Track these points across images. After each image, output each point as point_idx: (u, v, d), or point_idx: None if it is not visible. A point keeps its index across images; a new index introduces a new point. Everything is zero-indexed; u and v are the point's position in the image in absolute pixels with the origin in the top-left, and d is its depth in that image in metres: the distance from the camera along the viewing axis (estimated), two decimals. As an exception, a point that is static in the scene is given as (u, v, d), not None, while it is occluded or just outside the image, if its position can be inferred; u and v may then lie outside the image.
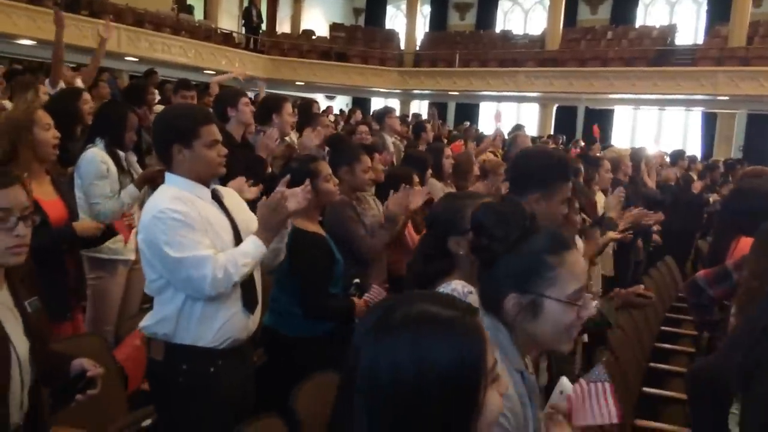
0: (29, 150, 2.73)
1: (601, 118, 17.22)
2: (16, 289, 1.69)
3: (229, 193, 2.35)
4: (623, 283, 3.06)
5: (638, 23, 19.18)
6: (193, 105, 3.69)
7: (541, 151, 2.59)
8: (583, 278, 1.34)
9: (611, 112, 18.05)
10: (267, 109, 4.12)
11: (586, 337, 2.91)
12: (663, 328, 4.72)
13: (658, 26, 18.57)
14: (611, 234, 3.55)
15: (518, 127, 9.84)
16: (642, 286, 2.73)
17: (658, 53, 16.66)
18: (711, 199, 7.33)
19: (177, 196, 2.08)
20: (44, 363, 1.72)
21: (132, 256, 3.55)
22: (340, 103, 20.81)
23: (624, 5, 19.17)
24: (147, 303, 3.70)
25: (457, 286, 1.73)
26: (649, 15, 19.80)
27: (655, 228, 4.91)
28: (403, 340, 0.89)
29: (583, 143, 8.92)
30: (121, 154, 3.50)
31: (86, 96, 3.81)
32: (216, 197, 2.21)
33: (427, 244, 1.96)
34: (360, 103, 20.35)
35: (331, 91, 20.01)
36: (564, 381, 1.47)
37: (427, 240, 1.99)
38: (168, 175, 2.19)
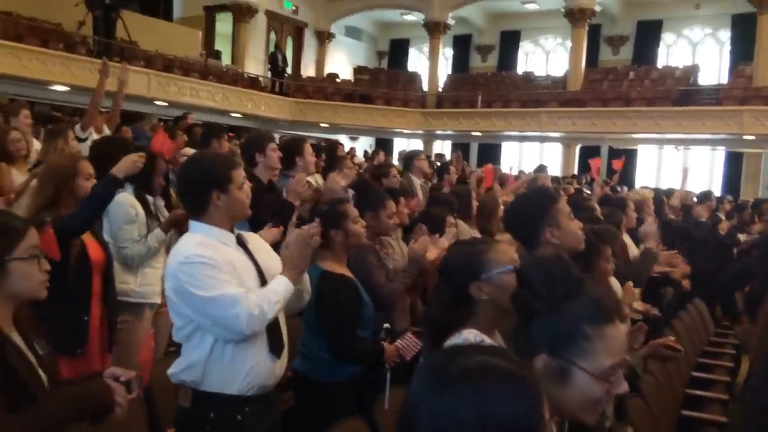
0: (71, 197, 2.84)
1: (625, 158, 17.13)
2: (25, 332, 1.74)
3: (253, 238, 2.37)
4: (651, 327, 3.00)
5: (660, 64, 19.22)
6: (216, 152, 3.75)
7: (516, 198, 2.76)
8: (621, 354, 1.28)
9: (635, 151, 17.97)
10: (290, 153, 4.17)
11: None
12: (694, 373, 4.60)
13: (681, 66, 18.56)
14: (637, 305, 3.50)
15: (541, 168, 9.84)
16: (672, 338, 2.66)
17: (681, 93, 16.62)
18: (741, 239, 7.20)
19: (201, 242, 2.12)
20: None
21: (158, 300, 3.59)
22: (364, 143, 21.02)
23: (646, 46, 19.27)
24: (173, 347, 3.74)
25: (469, 336, 1.71)
26: (671, 55, 19.83)
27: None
28: (465, 392, 0.89)
29: (607, 181, 8.79)
30: (149, 198, 3.58)
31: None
32: (241, 242, 2.25)
33: (442, 293, 1.91)
34: (383, 143, 20.56)
35: (354, 132, 20.25)
36: None
37: (443, 288, 1.94)
38: (192, 223, 2.22)
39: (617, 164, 8.59)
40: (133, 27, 14.32)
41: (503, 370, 0.91)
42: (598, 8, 17.79)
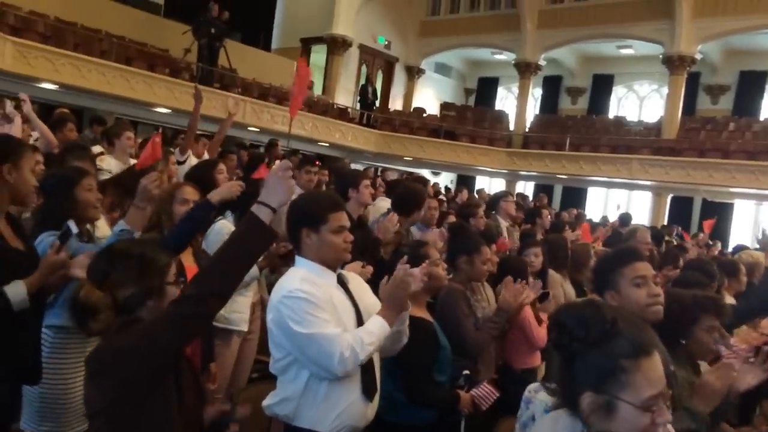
0: (170, 221, 2.95)
1: (720, 212, 16.37)
2: None
3: (354, 278, 2.39)
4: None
5: (763, 116, 18.32)
6: (326, 193, 3.82)
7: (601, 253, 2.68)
8: (660, 385, 1.37)
9: (730, 205, 17.10)
10: (412, 203, 4.21)
11: None
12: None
13: (786, 120, 17.63)
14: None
15: (625, 218, 9.47)
16: None
17: (785, 148, 15.75)
18: None
19: (305, 278, 2.16)
20: None
21: (245, 328, 3.66)
22: (445, 178, 21.03)
23: (748, 97, 18.43)
24: (255, 373, 3.79)
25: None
26: (775, 108, 18.91)
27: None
28: None
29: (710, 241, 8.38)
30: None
31: (221, 167, 4.06)
32: (341, 282, 2.27)
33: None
34: (464, 179, 20.49)
35: (437, 168, 20.30)
36: None
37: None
38: (297, 258, 2.28)
39: (708, 225, 8.35)
40: (234, 55, 14.98)
41: None
42: (699, 56, 17.21)
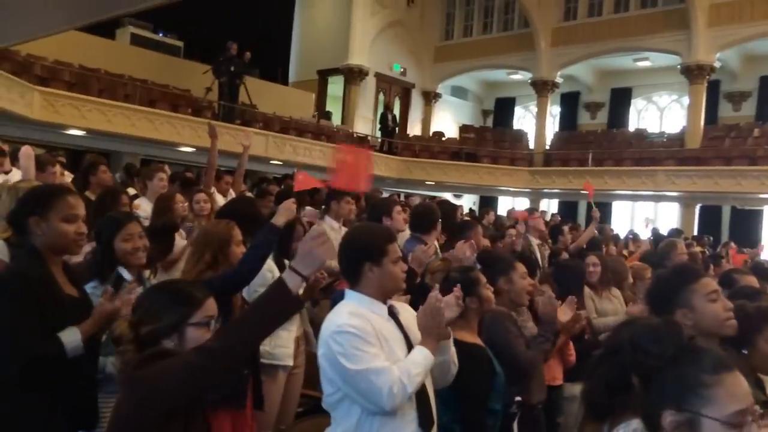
0: (226, 262, 2.95)
1: (750, 219, 16.11)
2: None
3: (405, 309, 2.38)
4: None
5: (788, 120, 18.08)
6: (377, 225, 3.84)
7: (657, 274, 2.73)
8: (746, 400, 1.32)
9: (760, 212, 16.79)
10: (428, 221, 4.20)
11: None
12: None
13: (811, 122, 17.35)
14: None
15: (677, 232, 9.23)
16: None
17: (813, 151, 15.50)
18: None
19: (353, 312, 2.15)
20: None
21: (290, 362, 3.64)
22: (468, 201, 20.97)
23: (770, 101, 18.22)
24: (301, 407, 3.78)
25: (638, 428, 1.62)
26: (799, 111, 18.64)
27: None
28: None
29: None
30: (286, 262, 3.68)
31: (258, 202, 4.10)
32: (392, 313, 2.25)
33: (610, 374, 1.81)
34: (487, 201, 20.41)
35: (460, 190, 20.28)
36: None
37: (611, 369, 1.86)
38: (347, 292, 2.27)
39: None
40: (253, 91, 15.21)
41: None
42: (717, 64, 17.09)
